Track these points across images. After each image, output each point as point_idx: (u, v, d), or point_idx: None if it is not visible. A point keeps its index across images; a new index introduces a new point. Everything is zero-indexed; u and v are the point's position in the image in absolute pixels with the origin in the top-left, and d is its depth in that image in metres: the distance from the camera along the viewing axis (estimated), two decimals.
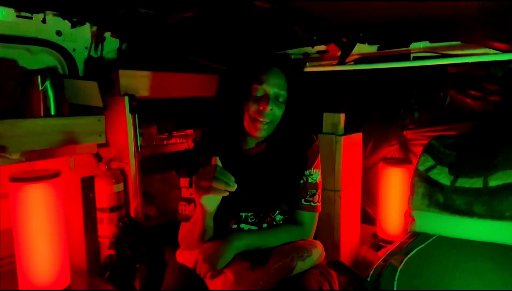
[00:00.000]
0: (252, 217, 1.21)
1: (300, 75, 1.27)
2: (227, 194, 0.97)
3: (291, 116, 1.23)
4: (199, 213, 1.08)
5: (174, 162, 2.09)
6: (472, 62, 1.73)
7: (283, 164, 1.22)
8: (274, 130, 1.24)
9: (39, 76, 1.43)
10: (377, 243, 1.92)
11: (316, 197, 1.27)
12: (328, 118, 1.91)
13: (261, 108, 1.14)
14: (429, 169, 1.56)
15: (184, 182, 1.25)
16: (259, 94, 1.16)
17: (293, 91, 1.21)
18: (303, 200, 1.24)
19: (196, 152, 1.24)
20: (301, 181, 1.24)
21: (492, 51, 1.65)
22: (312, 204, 1.25)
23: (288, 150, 1.23)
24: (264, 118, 1.15)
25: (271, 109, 1.15)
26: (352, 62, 2.02)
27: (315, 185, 1.26)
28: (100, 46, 1.78)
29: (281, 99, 1.18)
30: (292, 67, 1.22)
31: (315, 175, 1.27)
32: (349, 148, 1.90)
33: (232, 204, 1.19)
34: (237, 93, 1.18)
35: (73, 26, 1.64)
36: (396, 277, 1.21)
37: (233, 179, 0.96)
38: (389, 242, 1.84)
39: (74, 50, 1.68)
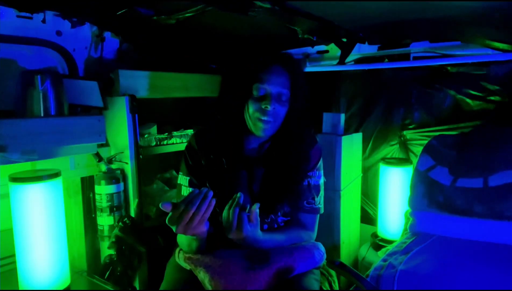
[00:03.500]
0: None
1: (302, 74, 1.24)
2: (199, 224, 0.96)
3: (294, 117, 1.22)
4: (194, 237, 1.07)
5: (175, 161, 2.09)
6: (472, 62, 1.73)
7: (286, 165, 1.21)
8: (277, 131, 1.24)
9: (39, 76, 1.43)
10: (377, 243, 1.92)
11: (319, 199, 1.26)
12: (328, 118, 1.91)
13: (263, 107, 1.12)
14: (429, 169, 1.56)
15: (183, 179, 1.24)
16: (261, 93, 1.13)
17: (296, 91, 1.19)
18: (305, 202, 1.24)
19: (196, 151, 1.23)
20: (304, 183, 1.24)
21: (492, 51, 1.65)
22: (314, 206, 1.25)
23: (291, 151, 1.22)
24: (266, 117, 1.12)
25: (274, 109, 1.12)
26: (352, 62, 2.02)
27: (317, 187, 1.26)
28: (100, 46, 1.78)
29: (283, 98, 1.15)
30: (294, 65, 1.20)
31: (318, 176, 1.27)
32: (349, 148, 1.90)
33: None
34: (239, 93, 1.16)
35: (73, 26, 1.64)
36: (396, 277, 1.21)
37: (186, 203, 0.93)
38: (389, 242, 1.84)
39: (74, 50, 1.68)
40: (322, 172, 1.29)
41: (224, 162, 1.18)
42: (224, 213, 1.01)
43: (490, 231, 1.36)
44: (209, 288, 1.08)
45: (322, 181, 1.28)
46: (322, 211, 1.28)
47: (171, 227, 0.95)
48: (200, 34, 1.71)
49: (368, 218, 2.18)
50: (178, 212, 0.92)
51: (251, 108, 1.14)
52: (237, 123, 1.19)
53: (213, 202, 0.94)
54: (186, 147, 1.27)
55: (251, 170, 1.21)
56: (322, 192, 1.28)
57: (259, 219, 1.02)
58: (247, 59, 1.20)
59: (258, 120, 1.14)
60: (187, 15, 1.38)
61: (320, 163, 1.28)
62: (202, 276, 1.10)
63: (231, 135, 1.21)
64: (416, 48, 1.82)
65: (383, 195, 1.97)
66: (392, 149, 2.08)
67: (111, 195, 1.61)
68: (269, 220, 1.22)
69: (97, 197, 1.62)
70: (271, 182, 1.20)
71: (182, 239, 1.18)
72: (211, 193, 0.93)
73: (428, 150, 1.63)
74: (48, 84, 1.44)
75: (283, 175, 1.20)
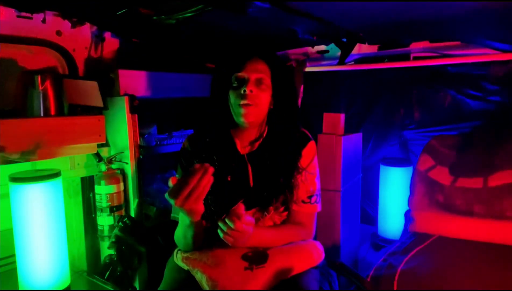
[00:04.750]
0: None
1: (284, 66, 1.26)
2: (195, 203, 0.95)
3: (284, 113, 1.23)
4: (188, 221, 1.07)
5: (175, 161, 2.09)
6: (472, 62, 1.73)
7: (278, 163, 1.21)
8: (269, 129, 1.24)
9: (39, 76, 1.43)
10: (377, 243, 1.92)
11: (315, 197, 1.26)
12: (328, 118, 1.91)
13: (242, 91, 1.14)
14: (429, 169, 1.56)
15: None
16: (239, 81, 1.16)
17: (281, 83, 1.20)
18: (301, 200, 1.24)
19: (190, 152, 1.24)
20: (298, 180, 1.24)
21: (492, 51, 1.65)
22: (310, 203, 1.25)
23: (282, 149, 1.22)
24: (245, 100, 1.13)
25: (251, 91, 1.13)
26: (352, 62, 2.02)
27: (312, 185, 1.26)
28: (100, 46, 1.78)
29: (263, 83, 1.16)
30: (272, 55, 1.22)
31: (313, 174, 1.26)
32: (349, 148, 1.90)
33: (227, 202, 1.18)
34: (221, 88, 1.19)
35: (73, 26, 1.64)
36: (396, 277, 1.22)
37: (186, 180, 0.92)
38: (389, 242, 1.84)
39: (74, 50, 1.68)
40: (317, 169, 1.28)
41: (215, 159, 1.18)
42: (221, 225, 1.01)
43: (490, 231, 1.36)
44: (206, 288, 1.08)
45: (317, 178, 1.28)
46: (319, 209, 1.28)
47: (170, 200, 0.95)
48: (200, 34, 1.71)
49: (368, 218, 2.18)
50: (179, 184, 0.93)
51: (232, 98, 1.17)
52: (226, 119, 1.21)
53: (212, 179, 0.94)
54: (180, 148, 1.28)
55: (244, 167, 1.21)
56: (318, 190, 1.28)
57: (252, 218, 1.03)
58: (226, 54, 1.23)
59: (238, 106, 1.15)
60: (187, 15, 1.38)
61: (315, 161, 1.27)
62: (199, 276, 1.10)
63: (221, 133, 1.22)
64: (416, 48, 1.82)
65: (383, 195, 1.97)
66: (392, 149, 2.08)
67: (111, 195, 1.61)
68: (264, 218, 1.21)
69: (97, 197, 1.62)
70: (264, 179, 1.20)
71: (178, 233, 1.19)
72: (211, 169, 0.93)
73: (428, 150, 1.63)
74: (48, 84, 1.45)
75: (276, 172, 1.21)
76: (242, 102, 1.13)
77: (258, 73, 1.16)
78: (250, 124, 1.19)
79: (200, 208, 0.98)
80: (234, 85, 1.17)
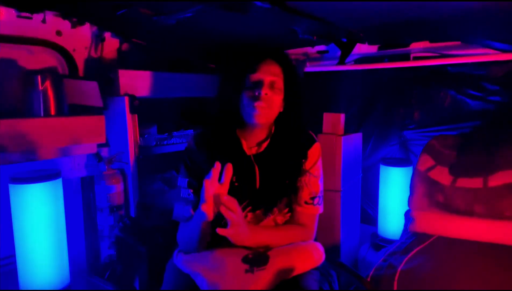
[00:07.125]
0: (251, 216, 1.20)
1: (295, 68, 1.26)
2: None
3: (292, 116, 1.23)
4: (199, 221, 1.07)
5: (175, 161, 2.10)
6: (472, 62, 1.73)
7: (284, 164, 1.21)
8: (276, 131, 1.24)
9: (39, 76, 1.43)
10: (377, 243, 1.92)
11: (317, 199, 1.26)
12: (328, 118, 1.91)
13: (256, 93, 1.13)
14: (429, 169, 1.56)
15: (182, 181, 1.24)
16: (253, 82, 1.15)
17: (292, 86, 1.21)
18: (304, 201, 1.24)
19: (195, 151, 1.23)
20: (302, 182, 1.24)
21: (492, 51, 1.65)
22: (313, 205, 1.25)
23: (289, 150, 1.22)
24: (260, 102, 1.13)
25: (266, 94, 1.14)
26: (352, 62, 2.03)
27: (316, 186, 1.26)
28: (100, 46, 1.78)
29: (276, 86, 1.17)
30: (285, 58, 1.22)
31: (317, 176, 1.26)
32: (349, 148, 1.90)
33: None
34: (233, 87, 1.18)
35: (73, 26, 1.64)
36: (396, 277, 1.21)
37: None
38: (389, 242, 1.84)
39: (74, 50, 1.68)
40: (321, 171, 1.29)
41: (222, 161, 1.18)
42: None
43: (490, 231, 1.36)
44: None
45: (321, 180, 1.28)
46: (321, 210, 1.28)
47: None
48: (200, 34, 1.71)
49: (368, 218, 2.18)
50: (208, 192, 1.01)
51: (245, 98, 1.16)
52: (234, 119, 1.20)
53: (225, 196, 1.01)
54: (185, 148, 1.27)
55: (250, 169, 1.21)
56: (321, 192, 1.28)
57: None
58: (240, 54, 1.22)
59: (252, 107, 1.14)
60: (187, 15, 1.38)
61: (319, 163, 1.28)
62: (200, 280, 1.10)
63: (228, 133, 1.21)
64: (416, 48, 1.82)
65: (383, 195, 1.97)
66: (392, 149, 2.08)
67: (111, 195, 1.61)
68: (268, 218, 1.21)
69: (97, 197, 1.62)
70: (269, 181, 1.20)
71: (183, 232, 1.18)
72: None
73: (428, 150, 1.63)
74: (48, 84, 1.45)
75: (281, 174, 1.21)
76: (257, 104, 1.13)
77: (272, 76, 1.16)
78: (261, 126, 1.19)
79: (209, 217, 1.03)
80: (248, 86, 1.16)
